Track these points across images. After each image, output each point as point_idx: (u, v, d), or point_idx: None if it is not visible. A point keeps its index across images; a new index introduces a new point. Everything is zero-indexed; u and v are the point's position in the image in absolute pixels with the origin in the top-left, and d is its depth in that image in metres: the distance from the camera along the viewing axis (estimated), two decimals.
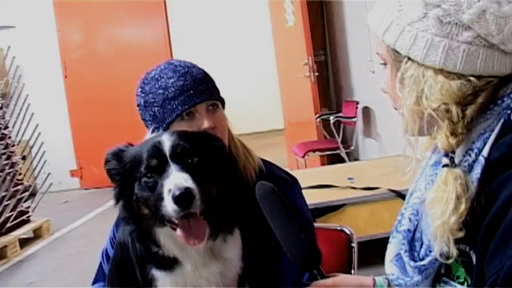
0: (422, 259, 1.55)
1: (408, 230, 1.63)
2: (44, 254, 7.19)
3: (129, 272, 1.88)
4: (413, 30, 1.47)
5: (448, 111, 1.44)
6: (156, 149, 1.74)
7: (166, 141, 1.76)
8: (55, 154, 9.40)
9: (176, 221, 1.70)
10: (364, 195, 5.06)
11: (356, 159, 8.09)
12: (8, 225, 7.19)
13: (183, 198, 1.61)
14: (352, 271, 2.56)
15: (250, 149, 2.31)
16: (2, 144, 7.26)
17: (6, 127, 7.55)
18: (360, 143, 8.01)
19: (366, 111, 7.60)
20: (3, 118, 7.52)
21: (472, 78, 1.43)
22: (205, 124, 2.08)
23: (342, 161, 7.65)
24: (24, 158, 8.00)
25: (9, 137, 7.54)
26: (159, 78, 2.13)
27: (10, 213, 7.21)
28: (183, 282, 1.80)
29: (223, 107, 2.23)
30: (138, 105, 2.20)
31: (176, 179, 1.65)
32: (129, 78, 9.19)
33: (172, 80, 2.10)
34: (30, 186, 7.78)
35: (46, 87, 10.24)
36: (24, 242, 7.47)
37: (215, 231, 1.81)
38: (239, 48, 13.39)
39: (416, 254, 1.58)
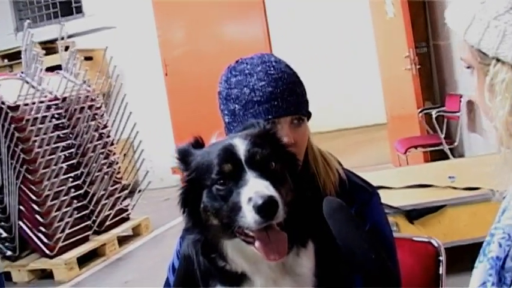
0: None
1: (497, 257, 1.36)
2: (142, 252, 7.24)
3: (196, 286, 1.73)
4: (501, 24, 1.22)
5: None
6: (229, 153, 1.58)
7: (240, 145, 1.59)
8: (157, 152, 9.47)
9: (252, 234, 1.54)
10: (465, 195, 4.72)
11: (461, 156, 7.68)
12: (107, 223, 7.31)
13: (266, 207, 1.44)
14: (440, 287, 2.32)
15: (330, 160, 2.13)
16: (100, 143, 7.35)
17: (105, 126, 7.65)
18: (464, 138, 7.59)
19: (471, 104, 7.17)
20: (102, 117, 7.61)
21: None
22: (285, 139, 1.87)
23: (446, 157, 7.27)
24: (125, 156, 8.09)
25: (108, 136, 7.63)
26: (248, 75, 1.98)
27: (109, 212, 7.30)
28: None
29: (309, 119, 2.08)
30: (219, 94, 2.06)
31: (257, 187, 1.49)
32: None
33: (262, 83, 1.95)
34: (128, 184, 7.86)
35: (146, 86, 10.38)
36: (123, 240, 7.57)
37: (289, 244, 1.62)
38: (339, 41, 13.09)
39: None
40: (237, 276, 1.64)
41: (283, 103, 1.93)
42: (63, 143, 6.88)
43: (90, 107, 7.35)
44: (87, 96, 7.39)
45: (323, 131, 11.99)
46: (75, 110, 7.14)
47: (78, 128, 7.13)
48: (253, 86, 1.94)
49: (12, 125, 6.39)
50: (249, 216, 1.47)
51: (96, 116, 7.48)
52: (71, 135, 7.09)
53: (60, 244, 6.53)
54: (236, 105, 1.97)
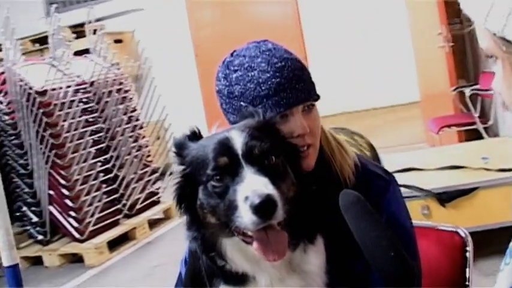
0: None
1: None
2: (172, 236, 7.20)
3: (204, 285, 1.65)
4: None
5: None
6: (225, 147, 1.49)
7: (237, 137, 1.50)
8: None
9: (251, 233, 1.45)
10: (498, 177, 4.57)
11: (496, 135, 7.49)
12: (138, 206, 7.29)
13: (263, 207, 1.35)
14: (467, 279, 2.21)
15: (344, 145, 2.00)
16: (129, 127, 7.32)
17: (134, 110, 7.61)
18: (499, 117, 7.39)
19: None
20: (131, 100, 7.57)
21: None
22: (300, 130, 1.79)
23: (480, 136, 7.09)
24: (158, 139, 8.05)
25: (137, 119, 7.58)
26: (249, 69, 1.82)
27: (139, 195, 7.28)
28: None
29: (317, 100, 1.92)
30: (219, 93, 1.91)
31: (254, 184, 1.39)
32: None
33: (267, 75, 1.79)
34: (159, 167, 7.82)
35: (176, 68, 10.30)
36: (154, 223, 7.55)
37: (295, 241, 1.55)
38: (372, 19, 12.84)
39: None
40: (240, 276, 1.56)
41: (292, 92, 1.79)
42: (92, 127, 6.86)
43: (118, 90, 7.31)
44: (115, 80, 7.34)
45: (355, 110, 11.86)
46: (104, 93, 7.11)
47: (107, 112, 7.10)
48: (258, 79, 1.80)
49: (40, 110, 6.39)
50: (245, 217, 1.38)
51: (125, 100, 7.44)
52: (99, 119, 7.06)
53: (91, 228, 6.53)
54: (241, 103, 1.83)
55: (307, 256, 1.59)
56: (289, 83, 1.80)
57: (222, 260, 1.55)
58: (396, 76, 12.49)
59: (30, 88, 6.39)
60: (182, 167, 1.59)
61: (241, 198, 1.39)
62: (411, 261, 1.56)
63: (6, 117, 6.56)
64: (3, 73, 6.52)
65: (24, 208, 6.74)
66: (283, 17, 9.66)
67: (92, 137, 6.80)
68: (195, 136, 1.64)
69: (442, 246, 2.32)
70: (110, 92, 7.17)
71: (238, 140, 1.49)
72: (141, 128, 7.64)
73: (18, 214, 6.85)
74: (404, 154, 6.04)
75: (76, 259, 6.65)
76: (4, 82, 6.50)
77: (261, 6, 10.02)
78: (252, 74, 1.81)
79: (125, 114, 7.34)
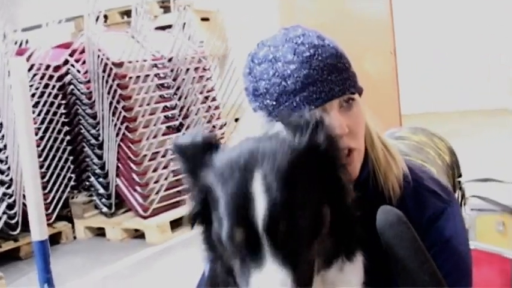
0: None
1: None
2: None
3: None
4: None
5: None
6: (242, 209, 1.15)
7: (259, 196, 1.14)
8: None
9: None
10: None
11: None
12: None
13: None
14: None
15: (393, 152, 1.73)
16: (203, 106, 7.21)
17: (211, 89, 7.47)
18: None
19: None
20: (208, 80, 7.42)
21: None
22: (337, 129, 1.48)
23: None
24: (236, 120, 7.92)
25: (214, 99, 7.43)
26: (274, 60, 1.58)
27: None
28: None
29: (360, 94, 1.66)
30: (246, 90, 1.67)
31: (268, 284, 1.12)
32: (350, 50, 8.83)
33: (293, 67, 1.55)
34: None
35: None
36: None
37: (331, 260, 1.34)
38: (469, 19, 12.15)
39: None
40: None
41: (324, 86, 1.54)
42: (166, 103, 6.77)
43: (196, 69, 7.18)
44: (194, 57, 7.22)
45: (444, 112, 11.42)
46: (181, 70, 7.00)
47: (183, 89, 6.99)
48: (283, 72, 1.56)
49: (116, 82, 6.34)
50: None
51: (202, 78, 7.31)
52: (174, 96, 6.95)
53: (155, 206, 6.45)
54: (268, 101, 1.58)
55: (344, 275, 1.37)
56: (319, 74, 1.55)
57: None
58: (488, 79, 11.92)
59: (108, 59, 6.34)
60: (196, 189, 1.30)
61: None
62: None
63: (82, 86, 6.54)
64: (82, 43, 6.51)
65: (92, 178, 6.74)
66: (375, 10, 9.31)
67: (165, 113, 6.72)
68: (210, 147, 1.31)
69: (507, 275, 2.06)
70: (188, 69, 7.05)
71: (261, 203, 1.15)
72: (217, 108, 7.49)
73: (86, 184, 6.87)
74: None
75: (138, 235, 6.59)
76: (83, 51, 6.48)
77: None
78: (277, 66, 1.57)
79: (201, 93, 7.20)
